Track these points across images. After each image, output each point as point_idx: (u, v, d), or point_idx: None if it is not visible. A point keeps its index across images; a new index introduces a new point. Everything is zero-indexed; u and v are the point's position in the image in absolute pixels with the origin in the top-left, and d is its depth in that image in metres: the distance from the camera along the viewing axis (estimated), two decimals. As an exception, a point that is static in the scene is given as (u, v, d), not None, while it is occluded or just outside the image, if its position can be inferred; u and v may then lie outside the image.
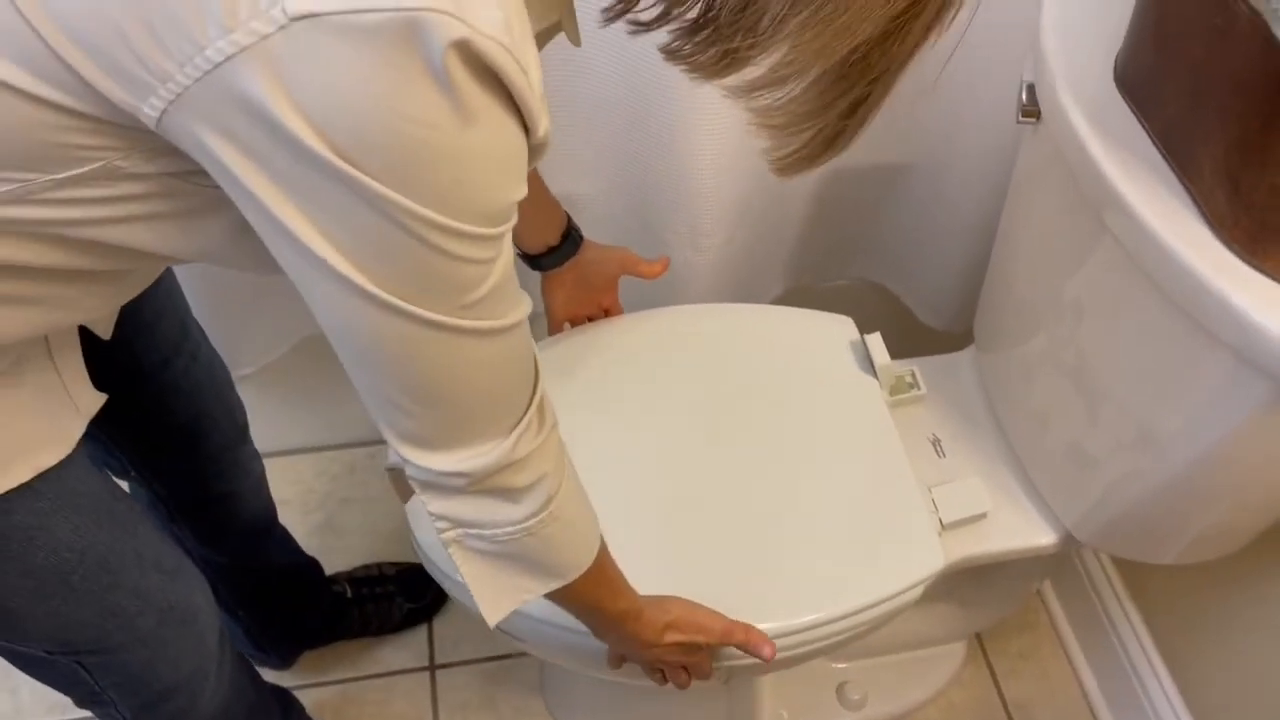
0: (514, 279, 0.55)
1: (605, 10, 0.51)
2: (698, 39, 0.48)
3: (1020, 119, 0.90)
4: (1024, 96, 0.90)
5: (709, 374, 1.07)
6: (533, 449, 0.61)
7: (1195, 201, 0.75)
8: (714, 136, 1.06)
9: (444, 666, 1.35)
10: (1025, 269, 1.00)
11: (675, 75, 1.09)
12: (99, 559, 0.73)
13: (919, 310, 1.39)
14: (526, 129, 0.48)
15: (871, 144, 1.18)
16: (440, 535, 0.64)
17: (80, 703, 0.85)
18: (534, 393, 0.61)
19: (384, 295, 0.49)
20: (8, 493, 0.64)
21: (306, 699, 1.23)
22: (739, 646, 0.86)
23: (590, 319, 1.09)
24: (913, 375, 1.09)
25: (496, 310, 0.53)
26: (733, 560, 0.94)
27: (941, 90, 1.14)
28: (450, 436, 0.58)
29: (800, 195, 1.24)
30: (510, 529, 0.63)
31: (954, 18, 0.47)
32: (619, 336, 1.09)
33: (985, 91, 1.10)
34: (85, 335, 0.72)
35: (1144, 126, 0.80)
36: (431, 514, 0.63)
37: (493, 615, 0.68)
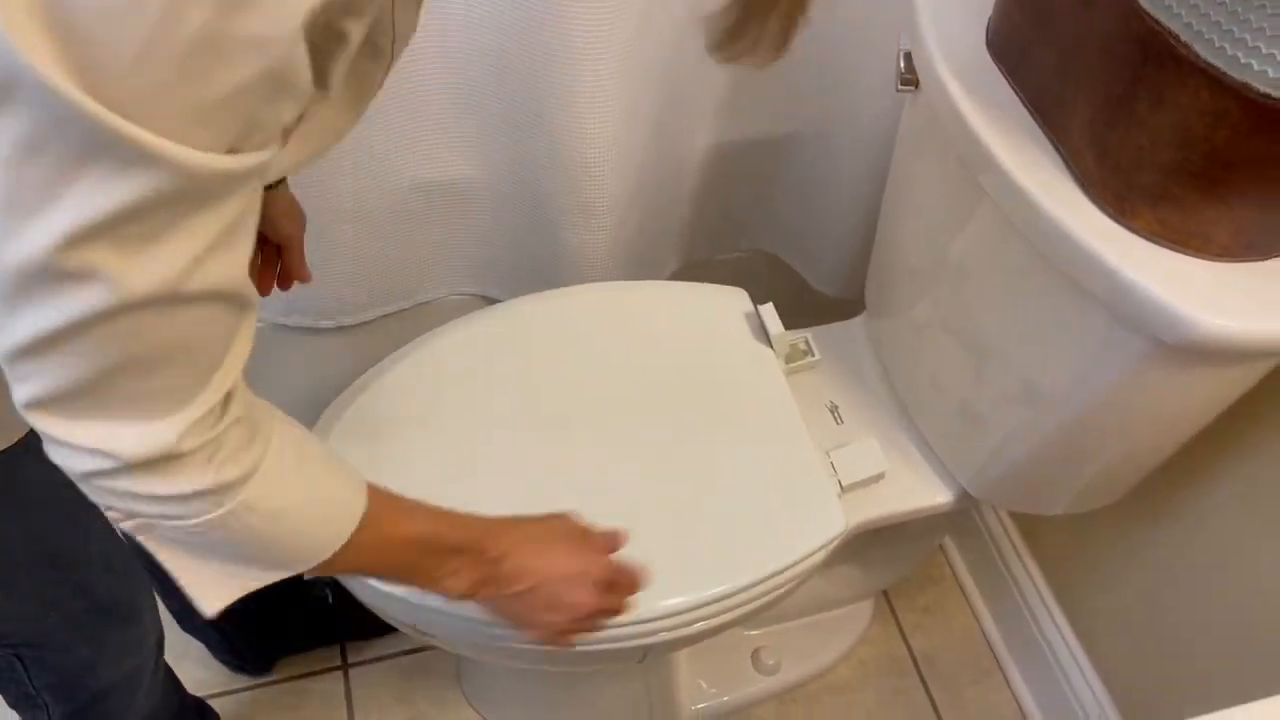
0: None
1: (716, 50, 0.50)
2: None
3: (899, 88, 0.92)
4: (902, 65, 0.91)
5: (605, 352, 1.06)
6: (202, 442, 0.51)
7: (1066, 163, 0.78)
8: (600, 116, 1.05)
9: (357, 665, 1.32)
10: (910, 234, 1.02)
11: (554, 57, 1.08)
12: (45, 551, 0.71)
13: (812, 278, 1.41)
14: None
15: (760, 116, 1.20)
16: (120, 525, 0.55)
17: (11, 703, 0.84)
18: (217, 382, 0.51)
19: None
20: None
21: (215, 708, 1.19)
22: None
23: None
24: (807, 343, 1.11)
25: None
26: (638, 537, 0.94)
27: (826, 61, 1.15)
28: (97, 404, 0.47)
29: (692, 170, 1.24)
30: (194, 522, 0.54)
31: None
32: (514, 319, 1.08)
33: (868, 61, 1.11)
34: None
35: (1016, 91, 0.82)
36: (103, 506, 0.54)
37: (210, 605, 0.60)
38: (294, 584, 1.28)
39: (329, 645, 1.32)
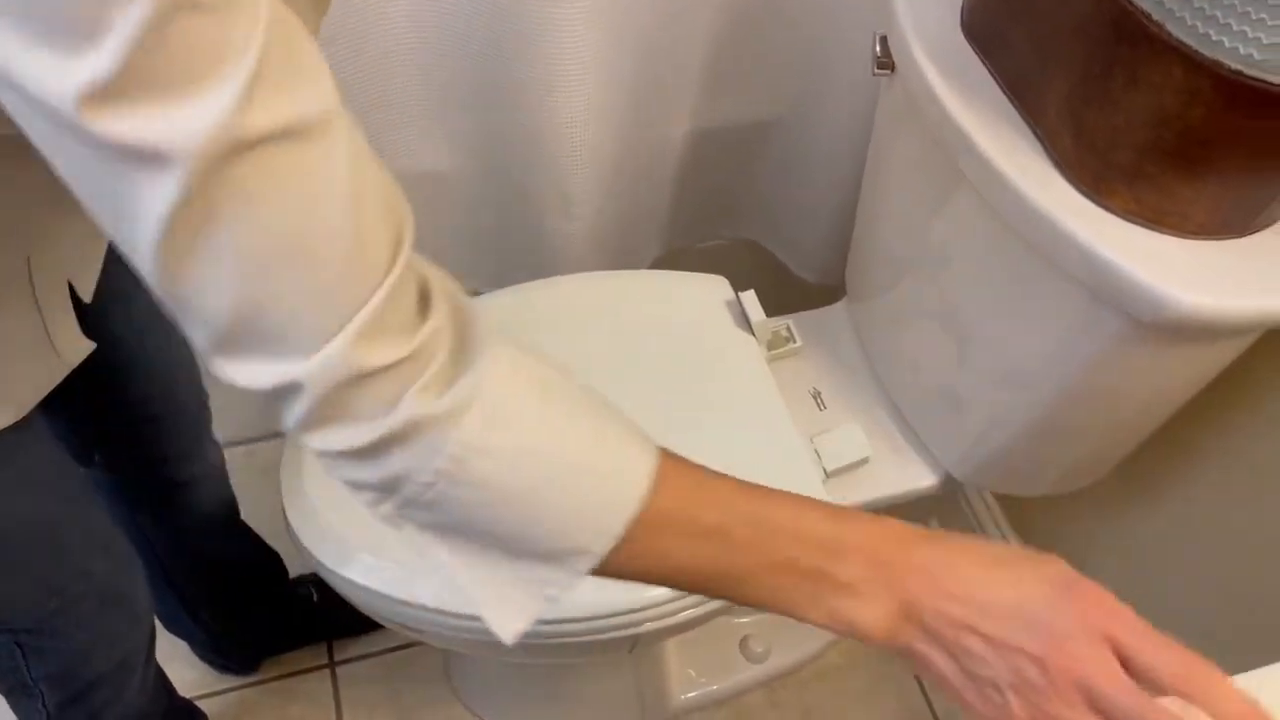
0: None
1: None
2: None
3: (875, 71, 0.91)
4: (878, 49, 0.91)
5: (587, 342, 1.06)
6: (398, 356, 0.41)
7: (1043, 144, 0.78)
8: (578, 104, 1.05)
9: (344, 662, 1.32)
10: (889, 218, 1.02)
11: (532, 46, 1.07)
12: (49, 534, 0.72)
13: (793, 264, 1.40)
14: None
15: (738, 102, 1.20)
16: (378, 514, 0.46)
17: (6, 692, 0.85)
18: (383, 267, 0.41)
19: None
20: None
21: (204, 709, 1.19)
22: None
23: None
24: (788, 329, 1.11)
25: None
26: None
27: (802, 46, 1.15)
28: (259, 327, 0.40)
29: (670, 157, 1.24)
30: (425, 479, 0.43)
31: None
32: (496, 311, 1.07)
33: (845, 45, 1.11)
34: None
35: (992, 74, 0.82)
36: (347, 484, 0.45)
37: (507, 625, 0.47)
38: (275, 576, 1.28)
39: (315, 643, 1.32)
